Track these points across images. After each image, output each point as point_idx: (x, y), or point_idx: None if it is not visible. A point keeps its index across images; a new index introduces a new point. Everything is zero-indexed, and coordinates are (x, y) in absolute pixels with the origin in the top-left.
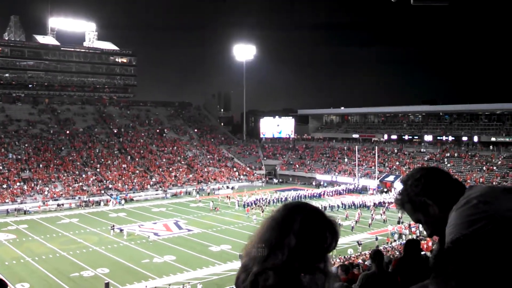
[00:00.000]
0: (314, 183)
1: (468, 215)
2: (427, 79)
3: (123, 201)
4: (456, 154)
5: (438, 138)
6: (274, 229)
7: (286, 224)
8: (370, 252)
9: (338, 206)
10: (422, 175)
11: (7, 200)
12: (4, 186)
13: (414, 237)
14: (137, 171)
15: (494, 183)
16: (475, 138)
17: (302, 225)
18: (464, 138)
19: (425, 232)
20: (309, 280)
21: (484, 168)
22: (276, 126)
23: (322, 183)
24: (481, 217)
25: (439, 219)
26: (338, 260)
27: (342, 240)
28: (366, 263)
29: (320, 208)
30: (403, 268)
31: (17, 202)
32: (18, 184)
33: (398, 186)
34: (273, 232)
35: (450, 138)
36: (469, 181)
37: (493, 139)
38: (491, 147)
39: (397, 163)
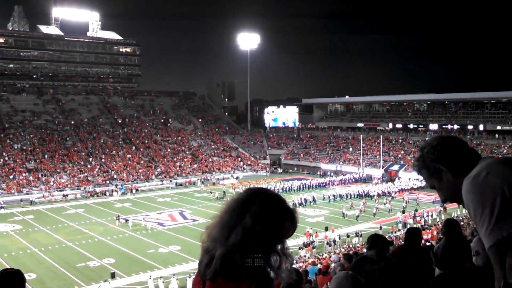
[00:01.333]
0: (319, 173)
1: (480, 184)
2: (432, 68)
3: (128, 193)
4: None
5: (444, 126)
6: (235, 210)
7: (245, 206)
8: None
9: (343, 196)
10: (439, 143)
11: (12, 191)
12: (10, 177)
13: (419, 226)
14: (142, 161)
15: None
16: (481, 127)
17: (260, 207)
18: (470, 127)
19: (429, 222)
20: (266, 261)
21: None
22: (281, 115)
23: (329, 173)
24: (490, 189)
25: (452, 185)
26: (342, 250)
27: (347, 230)
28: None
29: (281, 196)
30: (404, 256)
31: (23, 193)
32: (23, 174)
33: (403, 174)
34: (233, 213)
35: (456, 126)
36: None
37: (498, 127)
38: (496, 135)
39: (402, 152)
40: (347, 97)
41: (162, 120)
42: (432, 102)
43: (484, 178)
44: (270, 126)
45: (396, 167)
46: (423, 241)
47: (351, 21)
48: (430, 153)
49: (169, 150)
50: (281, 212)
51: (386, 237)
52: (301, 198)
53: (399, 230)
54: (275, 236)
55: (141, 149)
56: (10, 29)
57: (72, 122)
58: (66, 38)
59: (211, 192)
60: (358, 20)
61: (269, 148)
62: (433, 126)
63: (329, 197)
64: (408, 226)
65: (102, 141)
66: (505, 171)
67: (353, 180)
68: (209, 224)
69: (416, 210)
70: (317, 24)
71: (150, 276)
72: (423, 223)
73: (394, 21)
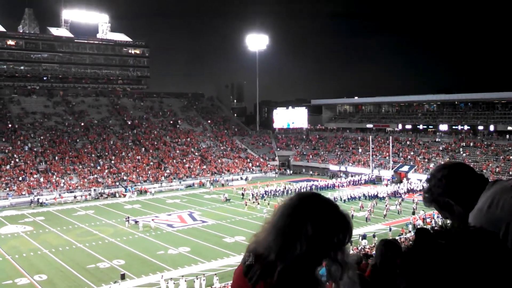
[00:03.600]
0: (330, 174)
1: (481, 219)
2: (442, 68)
3: (135, 193)
4: (471, 144)
5: (454, 127)
6: (290, 215)
7: (301, 212)
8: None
9: (353, 197)
10: (443, 176)
11: (23, 192)
12: (20, 178)
13: (429, 227)
14: (151, 163)
15: (510, 172)
16: (491, 127)
17: (318, 213)
18: (480, 127)
19: (440, 222)
20: (328, 270)
21: (501, 157)
22: (290, 117)
23: (340, 174)
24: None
25: (464, 218)
26: (352, 251)
27: (357, 231)
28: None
29: (334, 201)
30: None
31: (34, 194)
32: (34, 176)
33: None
34: (287, 219)
35: (466, 127)
36: (485, 171)
37: (509, 128)
38: (507, 136)
39: (412, 153)
40: (356, 98)
41: (171, 122)
42: (442, 103)
43: (487, 212)
44: (278, 128)
45: (405, 168)
46: None
47: (360, 22)
48: (437, 187)
49: (178, 151)
50: (339, 217)
51: (397, 238)
52: None
53: (410, 231)
54: (334, 243)
55: (151, 151)
56: (21, 31)
57: (82, 124)
58: (76, 40)
59: (224, 194)
60: (366, 21)
61: (278, 149)
62: (443, 127)
63: (334, 198)
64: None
65: (111, 143)
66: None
67: (363, 181)
68: (260, 228)
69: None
70: (326, 25)
71: (162, 276)
72: (433, 225)
73: (403, 22)
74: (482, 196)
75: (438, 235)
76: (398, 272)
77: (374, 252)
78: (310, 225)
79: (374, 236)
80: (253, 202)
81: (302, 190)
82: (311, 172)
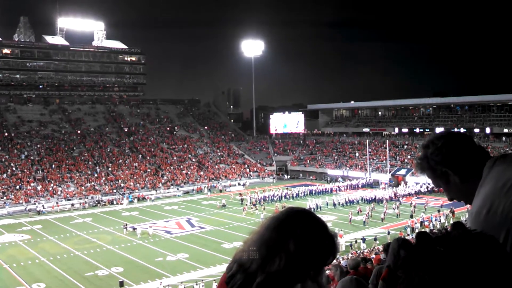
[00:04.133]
0: (328, 179)
1: (481, 224)
2: (438, 72)
3: (127, 200)
4: None
5: (450, 130)
6: (275, 229)
7: (287, 228)
8: (383, 245)
9: (351, 201)
10: (444, 144)
11: (20, 201)
12: (18, 187)
13: (428, 231)
14: (149, 170)
15: None
16: (487, 130)
17: (304, 231)
18: (476, 130)
19: (438, 225)
20: None
21: None
22: (286, 122)
23: (339, 179)
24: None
25: (459, 188)
26: (350, 255)
27: (355, 235)
28: (381, 257)
29: (323, 220)
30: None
31: (31, 203)
32: (31, 184)
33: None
34: (273, 233)
35: (462, 130)
36: None
37: (505, 130)
38: (503, 138)
39: (409, 156)
40: (352, 102)
41: (168, 128)
42: (438, 106)
43: (485, 219)
44: (275, 133)
45: (403, 171)
46: None
47: (356, 27)
48: (435, 155)
49: (175, 158)
50: (324, 238)
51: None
52: (317, 204)
53: (408, 235)
54: (316, 263)
55: (148, 158)
56: (16, 39)
57: (79, 132)
58: (71, 48)
59: (222, 200)
60: (362, 27)
61: (275, 154)
62: (439, 130)
63: (333, 202)
64: (416, 231)
65: (108, 150)
66: (508, 204)
67: (360, 185)
68: (248, 238)
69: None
70: (321, 31)
71: (161, 282)
72: (431, 228)
73: (399, 27)
74: (481, 186)
75: (437, 241)
76: (400, 277)
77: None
78: (293, 242)
79: (375, 239)
80: (251, 208)
81: (300, 195)
82: (311, 178)
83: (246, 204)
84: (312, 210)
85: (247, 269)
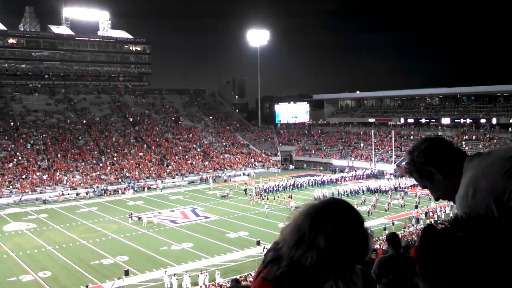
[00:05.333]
0: (336, 169)
1: (469, 206)
2: (444, 62)
3: (145, 188)
4: (474, 137)
5: (456, 120)
6: (308, 217)
7: (320, 221)
8: (386, 235)
9: (356, 191)
10: (427, 146)
11: (26, 190)
12: (24, 176)
13: (432, 222)
14: (154, 159)
15: None
16: (494, 120)
17: (336, 228)
18: (483, 121)
19: (443, 217)
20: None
21: None
22: (292, 112)
23: (346, 169)
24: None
25: (443, 185)
26: None
27: None
28: (384, 247)
29: (360, 215)
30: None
31: (37, 192)
32: (37, 174)
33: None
34: (305, 222)
35: (468, 120)
36: None
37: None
38: (510, 129)
39: None
40: (358, 92)
41: (173, 118)
42: (444, 96)
43: (472, 198)
44: (280, 123)
45: None
46: None
47: (362, 17)
48: (420, 157)
49: (180, 148)
50: (358, 235)
51: (400, 233)
52: (323, 194)
53: (413, 225)
54: (346, 261)
55: (153, 147)
56: (22, 29)
57: (84, 121)
58: (77, 38)
59: (225, 190)
60: (368, 17)
61: (280, 144)
62: (445, 120)
63: (339, 192)
64: (422, 221)
65: (114, 140)
66: (491, 179)
67: (365, 175)
68: (288, 222)
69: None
70: (327, 20)
71: (166, 271)
72: (436, 218)
73: (405, 17)
74: (463, 178)
75: (453, 227)
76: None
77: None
78: (323, 238)
79: (384, 229)
80: (258, 197)
81: (304, 185)
82: (321, 168)
83: (250, 194)
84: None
85: (279, 249)
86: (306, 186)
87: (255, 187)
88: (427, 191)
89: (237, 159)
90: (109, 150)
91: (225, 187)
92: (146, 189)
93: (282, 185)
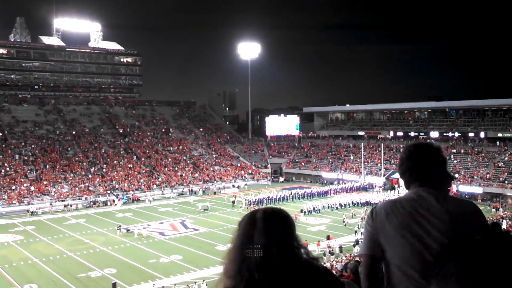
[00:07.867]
0: (325, 182)
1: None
2: (433, 76)
3: (134, 201)
4: (462, 151)
5: (445, 134)
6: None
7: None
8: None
9: (345, 204)
10: (410, 153)
11: (14, 201)
12: (13, 187)
13: None
14: (143, 171)
15: (501, 179)
16: (482, 134)
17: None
18: (471, 134)
19: None
20: None
21: (491, 164)
22: (282, 124)
23: (336, 182)
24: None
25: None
26: (344, 258)
27: (348, 238)
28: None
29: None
30: None
31: (24, 203)
32: (25, 185)
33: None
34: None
35: (457, 134)
36: (475, 177)
37: (499, 134)
38: (497, 142)
39: None
40: (347, 105)
41: (163, 130)
42: (433, 110)
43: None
44: (271, 135)
45: (397, 175)
46: None
47: (352, 31)
48: (405, 161)
49: (170, 159)
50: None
51: None
52: (314, 206)
53: None
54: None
55: (142, 159)
56: (12, 40)
57: (74, 132)
58: (67, 49)
59: (207, 203)
60: (358, 30)
61: (270, 157)
62: (434, 134)
63: (329, 206)
64: None
65: (103, 151)
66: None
67: (355, 188)
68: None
69: None
70: (318, 34)
71: (154, 284)
72: None
73: (394, 31)
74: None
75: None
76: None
77: None
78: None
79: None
80: (247, 209)
81: (288, 208)
82: (309, 181)
83: (241, 207)
84: (307, 212)
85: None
86: (298, 199)
87: (245, 200)
88: None
89: (227, 171)
90: (98, 162)
91: (213, 199)
92: (133, 201)
93: (272, 197)
